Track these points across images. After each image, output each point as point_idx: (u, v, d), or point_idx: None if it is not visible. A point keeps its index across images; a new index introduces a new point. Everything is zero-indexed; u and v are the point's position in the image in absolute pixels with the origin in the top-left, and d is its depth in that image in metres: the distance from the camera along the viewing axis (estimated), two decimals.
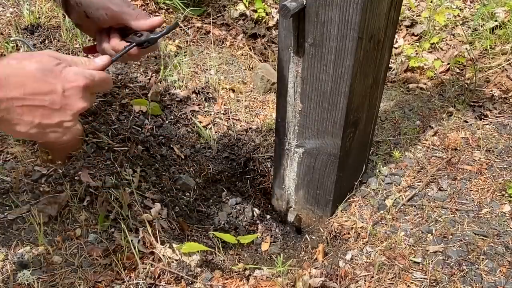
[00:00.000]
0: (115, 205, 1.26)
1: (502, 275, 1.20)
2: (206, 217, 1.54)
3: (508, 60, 2.15)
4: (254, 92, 2.08)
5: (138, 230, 1.24)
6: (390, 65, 2.31)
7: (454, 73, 2.22)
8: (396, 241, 1.30)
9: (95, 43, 0.97)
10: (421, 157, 1.63)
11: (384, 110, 1.94)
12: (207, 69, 2.11)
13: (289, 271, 1.26)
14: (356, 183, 1.49)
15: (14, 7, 1.98)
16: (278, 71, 1.21)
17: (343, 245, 1.33)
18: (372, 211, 1.41)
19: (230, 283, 1.19)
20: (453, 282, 1.18)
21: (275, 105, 1.32)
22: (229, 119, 1.90)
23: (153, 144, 1.62)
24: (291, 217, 1.49)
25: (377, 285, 1.19)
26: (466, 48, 2.30)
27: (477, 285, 1.17)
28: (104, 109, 1.63)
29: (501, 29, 2.33)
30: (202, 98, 1.94)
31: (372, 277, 1.21)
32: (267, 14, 2.55)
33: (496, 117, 1.84)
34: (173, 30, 2.18)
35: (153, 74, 1.94)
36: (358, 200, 1.46)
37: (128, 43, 0.89)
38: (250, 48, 2.36)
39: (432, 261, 1.24)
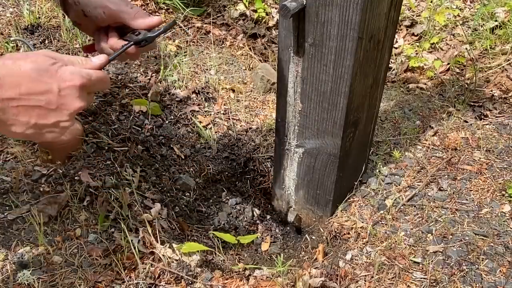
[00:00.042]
0: (115, 205, 1.26)
1: (502, 275, 1.20)
2: (206, 217, 1.54)
3: (508, 60, 2.15)
4: (254, 92, 2.08)
5: (138, 230, 1.24)
6: (390, 65, 2.31)
7: (454, 73, 2.22)
8: (396, 241, 1.30)
9: (95, 42, 0.97)
10: (421, 157, 1.63)
11: (384, 110, 1.94)
12: (207, 69, 2.11)
13: (289, 271, 1.26)
14: (356, 183, 1.49)
15: (14, 7, 1.98)
16: (278, 71, 1.21)
17: (343, 245, 1.33)
18: (372, 211, 1.41)
19: (230, 283, 1.19)
20: (453, 282, 1.18)
21: (275, 105, 1.32)
22: (229, 119, 1.90)
23: (153, 144, 1.62)
24: (291, 217, 1.49)
25: (377, 285, 1.19)
26: (466, 48, 2.30)
27: (477, 285, 1.17)
28: (104, 109, 1.63)
29: (501, 29, 2.33)
30: (202, 98, 1.94)
31: (372, 277, 1.21)
32: (267, 14, 2.55)
33: (496, 117, 1.84)
34: (172, 29, 2.18)
35: (153, 74, 1.94)
36: (358, 200, 1.46)
37: (126, 42, 0.89)
38: (250, 48, 2.36)
39: (432, 261, 1.24)
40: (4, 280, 1.06)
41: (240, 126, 1.88)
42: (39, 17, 1.94)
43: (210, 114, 1.89)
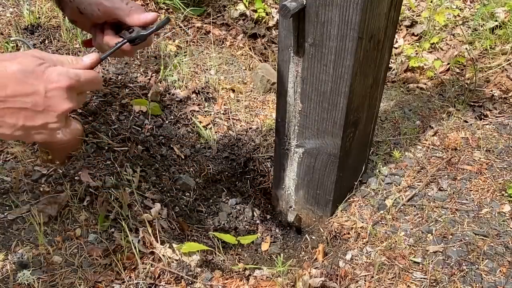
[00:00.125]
0: (115, 205, 1.26)
1: (502, 275, 1.20)
2: (206, 217, 1.54)
3: (508, 60, 2.15)
4: (254, 92, 2.08)
5: (138, 230, 1.24)
6: (390, 65, 2.31)
7: (454, 73, 2.22)
8: (396, 241, 1.30)
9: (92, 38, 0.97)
10: (421, 157, 1.63)
11: (384, 110, 1.94)
12: (207, 69, 2.11)
13: (289, 271, 1.26)
14: (356, 183, 1.49)
15: (14, 7, 1.98)
16: (278, 71, 1.21)
17: (343, 245, 1.33)
18: (372, 211, 1.41)
19: (230, 283, 1.19)
20: (453, 282, 1.18)
21: (275, 105, 1.32)
22: (229, 119, 1.90)
23: (153, 144, 1.62)
24: (291, 217, 1.49)
25: (377, 285, 1.19)
26: (466, 48, 2.30)
27: (477, 285, 1.17)
28: (104, 109, 1.63)
29: (501, 29, 2.33)
30: (202, 98, 1.94)
31: (372, 277, 1.21)
32: (267, 14, 2.55)
33: (496, 117, 1.84)
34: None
35: (153, 74, 1.94)
36: (358, 200, 1.46)
37: (120, 39, 0.88)
38: (250, 48, 2.36)
39: (432, 261, 1.24)
40: (4, 280, 1.06)
41: (240, 126, 1.88)
42: (39, 17, 1.94)
43: (210, 114, 1.89)
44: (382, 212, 1.40)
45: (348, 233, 1.36)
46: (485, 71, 2.15)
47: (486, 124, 1.79)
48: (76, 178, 1.31)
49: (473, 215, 1.39)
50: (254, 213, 1.59)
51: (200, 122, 1.83)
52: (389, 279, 1.20)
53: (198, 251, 1.20)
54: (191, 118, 1.83)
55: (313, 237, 1.43)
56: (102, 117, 1.57)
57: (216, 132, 1.82)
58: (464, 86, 2.08)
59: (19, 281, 1.05)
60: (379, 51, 1.18)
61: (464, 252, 1.26)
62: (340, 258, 1.28)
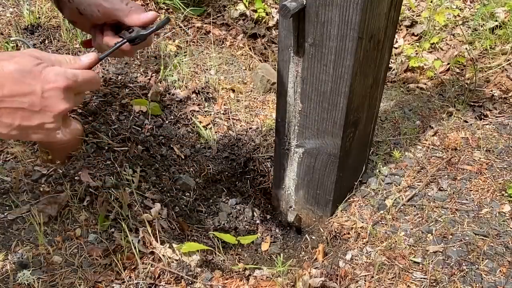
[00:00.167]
0: (115, 205, 1.26)
1: (502, 275, 1.20)
2: (206, 217, 1.54)
3: (508, 60, 2.15)
4: (254, 92, 2.08)
5: (138, 230, 1.24)
6: (390, 65, 2.31)
7: (454, 73, 2.22)
8: (396, 241, 1.30)
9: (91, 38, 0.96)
10: (421, 157, 1.63)
11: (384, 110, 1.94)
12: (207, 69, 2.11)
13: (289, 271, 1.26)
14: (356, 183, 1.49)
15: (14, 7, 1.98)
16: (278, 71, 1.21)
17: (343, 245, 1.33)
18: (372, 211, 1.41)
19: (230, 283, 1.19)
20: (453, 282, 1.18)
21: (275, 105, 1.32)
22: (229, 119, 1.90)
23: (153, 144, 1.62)
24: (291, 217, 1.49)
25: (377, 285, 1.19)
26: (466, 48, 2.30)
27: (477, 285, 1.17)
28: (104, 109, 1.63)
29: (501, 29, 2.33)
30: (202, 98, 1.94)
31: (372, 277, 1.21)
32: (267, 14, 2.55)
33: (496, 117, 1.84)
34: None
35: (153, 74, 1.94)
36: (358, 200, 1.46)
37: (120, 39, 0.88)
38: (250, 48, 2.36)
39: (432, 261, 1.24)
40: (4, 280, 1.06)
41: (240, 126, 1.88)
42: (39, 17, 1.94)
43: (210, 114, 1.89)
44: (382, 212, 1.40)
45: (348, 233, 1.36)
46: (485, 71, 2.15)
47: (486, 124, 1.79)
48: (76, 178, 1.31)
49: (473, 215, 1.39)
50: (254, 213, 1.59)
51: (200, 122, 1.83)
52: (389, 279, 1.20)
53: (198, 251, 1.20)
54: (191, 118, 1.83)
55: (313, 237, 1.43)
56: (102, 117, 1.57)
57: (216, 132, 1.82)
58: (464, 86, 2.08)
59: (19, 281, 1.05)
60: (379, 51, 1.18)
61: (464, 252, 1.26)
62: (340, 258, 1.28)
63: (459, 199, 1.45)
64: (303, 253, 1.40)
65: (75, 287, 1.08)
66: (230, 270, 1.25)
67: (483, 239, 1.30)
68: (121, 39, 0.88)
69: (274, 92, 2.06)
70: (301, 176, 1.39)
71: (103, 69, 1.84)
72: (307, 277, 1.17)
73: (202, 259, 1.23)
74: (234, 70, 2.17)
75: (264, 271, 1.25)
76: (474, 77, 2.07)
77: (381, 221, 1.39)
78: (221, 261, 1.30)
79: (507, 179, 1.50)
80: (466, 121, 1.82)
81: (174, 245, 1.22)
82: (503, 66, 2.13)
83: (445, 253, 1.26)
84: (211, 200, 1.60)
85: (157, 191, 1.43)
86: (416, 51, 2.38)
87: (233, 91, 2.05)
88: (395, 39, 2.21)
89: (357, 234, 1.34)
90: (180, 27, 2.31)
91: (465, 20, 2.53)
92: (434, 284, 1.18)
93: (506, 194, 1.44)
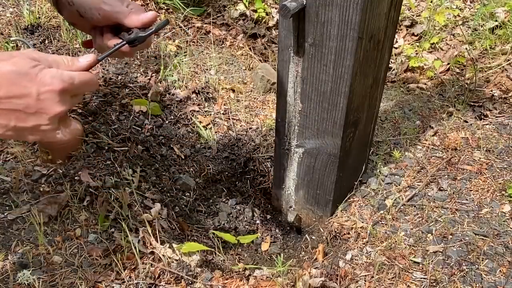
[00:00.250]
0: (115, 205, 1.26)
1: (502, 275, 1.20)
2: (206, 217, 1.54)
3: (508, 60, 2.15)
4: (254, 92, 2.08)
5: (138, 230, 1.24)
6: (390, 65, 2.31)
7: (454, 73, 2.22)
8: (396, 241, 1.30)
9: (92, 39, 0.96)
10: (421, 157, 1.63)
11: (384, 110, 1.94)
12: (207, 69, 2.11)
13: (289, 271, 1.26)
14: (356, 183, 1.49)
15: (14, 7, 1.98)
16: (278, 71, 1.21)
17: (343, 245, 1.33)
18: (372, 211, 1.41)
19: (230, 283, 1.19)
20: (453, 282, 1.18)
21: (275, 105, 1.32)
22: (229, 119, 1.90)
23: (153, 144, 1.62)
24: (291, 217, 1.49)
25: (377, 285, 1.19)
26: (466, 48, 2.30)
27: (477, 285, 1.17)
28: (104, 109, 1.63)
29: (501, 29, 2.33)
30: (202, 98, 1.94)
31: (372, 277, 1.21)
32: (267, 14, 2.55)
33: (496, 117, 1.84)
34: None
35: (153, 74, 1.94)
36: (358, 200, 1.46)
37: (120, 41, 0.88)
38: (250, 48, 2.36)
39: (432, 261, 1.24)
40: (4, 280, 1.06)
41: (240, 126, 1.88)
42: (39, 17, 1.94)
43: (210, 114, 1.89)
44: (382, 212, 1.40)
45: (348, 233, 1.36)
46: (485, 71, 2.15)
47: (486, 124, 1.79)
48: (76, 178, 1.31)
49: (473, 215, 1.39)
50: (254, 213, 1.59)
51: (200, 122, 1.83)
52: (389, 279, 1.20)
53: (198, 251, 1.20)
54: (191, 118, 1.83)
55: (313, 237, 1.43)
56: (102, 117, 1.57)
57: (216, 132, 1.82)
58: (464, 86, 2.08)
59: (19, 281, 1.05)
60: (379, 51, 1.18)
61: (464, 252, 1.26)
62: (340, 258, 1.28)
63: (459, 199, 1.45)
64: (303, 253, 1.40)
65: (75, 287, 1.08)
66: (230, 270, 1.25)
67: (483, 239, 1.30)
68: (121, 40, 0.88)
69: (274, 92, 2.06)
70: (301, 176, 1.39)
71: (103, 69, 1.84)
72: (307, 277, 1.17)
73: (202, 259, 1.23)
74: (234, 70, 2.17)
75: (264, 271, 1.25)
76: (474, 77, 2.07)
77: (381, 221, 1.39)
78: (221, 261, 1.30)
79: (507, 179, 1.50)
80: (466, 121, 1.82)
81: (174, 245, 1.22)
82: (503, 66, 2.13)
83: (445, 253, 1.26)
84: (211, 200, 1.60)
85: (157, 191, 1.43)
86: (416, 51, 2.38)
87: (233, 91, 2.05)
88: (395, 39, 2.21)
89: (357, 234, 1.34)
90: (180, 27, 2.31)
91: (465, 20, 2.53)
92: (434, 284, 1.18)
93: (506, 194, 1.44)
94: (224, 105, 1.96)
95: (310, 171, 1.35)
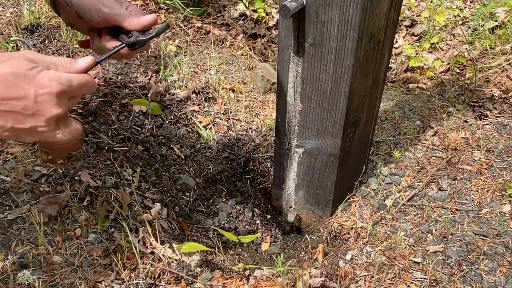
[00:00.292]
0: (115, 205, 1.26)
1: (502, 275, 1.20)
2: (206, 217, 1.54)
3: (508, 60, 2.15)
4: (254, 92, 2.08)
5: (138, 230, 1.24)
6: (390, 65, 2.31)
7: (454, 73, 2.22)
8: (396, 241, 1.30)
9: (90, 40, 0.96)
10: (421, 157, 1.63)
11: (384, 110, 1.94)
12: (207, 69, 2.11)
13: (289, 271, 1.26)
14: (356, 183, 1.49)
15: (14, 7, 1.98)
16: (278, 71, 1.21)
17: (343, 245, 1.33)
18: (372, 211, 1.41)
19: (230, 283, 1.19)
20: (453, 282, 1.18)
21: (275, 105, 1.32)
22: (229, 119, 1.90)
23: (153, 144, 1.62)
24: (291, 217, 1.49)
25: (377, 285, 1.19)
26: (466, 48, 2.30)
27: (477, 285, 1.17)
28: (104, 109, 1.63)
29: (501, 29, 2.33)
30: (202, 98, 1.94)
31: (372, 277, 1.21)
32: (267, 14, 2.55)
33: (496, 117, 1.84)
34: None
35: (153, 74, 1.94)
36: (358, 200, 1.46)
37: (119, 43, 0.87)
38: (250, 48, 2.36)
39: (432, 261, 1.24)
40: (4, 280, 1.06)
41: (240, 126, 1.88)
42: (39, 17, 1.94)
43: (210, 114, 1.89)
44: (382, 212, 1.40)
45: (348, 233, 1.36)
46: (485, 71, 2.15)
47: (486, 124, 1.79)
48: (76, 178, 1.31)
49: (473, 215, 1.39)
50: (254, 213, 1.59)
51: (200, 122, 1.83)
52: (389, 279, 1.20)
53: (198, 251, 1.20)
54: (191, 118, 1.83)
55: (313, 237, 1.43)
56: (102, 117, 1.57)
57: (216, 132, 1.82)
58: (464, 86, 2.08)
59: (19, 281, 1.05)
60: (379, 51, 1.18)
61: (464, 252, 1.26)
62: (340, 258, 1.28)
63: (459, 199, 1.45)
64: (303, 253, 1.40)
65: (75, 287, 1.08)
66: (230, 270, 1.25)
67: (483, 239, 1.30)
68: (120, 42, 0.87)
69: (274, 92, 2.06)
70: (301, 176, 1.39)
71: (103, 69, 1.84)
72: (307, 277, 1.17)
73: (202, 259, 1.23)
74: (234, 70, 2.17)
75: (264, 271, 1.25)
76: (474, 77, 2.07)
77: (381, 221, 1.39)
78: (221, 261, 1.30)
79: (507, 179, 1.50)
80: (466, 121, 1.82)
81: (174, 245, 1.22)
82: (503, 66, 2.13)
83: (445, 253, 1.26)
84: (211, 200, 1.60)
85: (157, 191, 1.43)
86: (416, 51, 2.38)
87: (233, 91, 2.05)
88: (395, 39, 2.21)
89: (357, 234, 1.34)
90: (180, 27, 2.31)
91: (465, 20, 2.53)
92: (434, 284, 1.18)
93: (506, 194, 1.44)
94: (224, 105, 1.96)
95: (310, 171, 1.35)
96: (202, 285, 1.16)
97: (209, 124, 1.84)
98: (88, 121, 1.53)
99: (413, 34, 2.55)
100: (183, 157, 1.67)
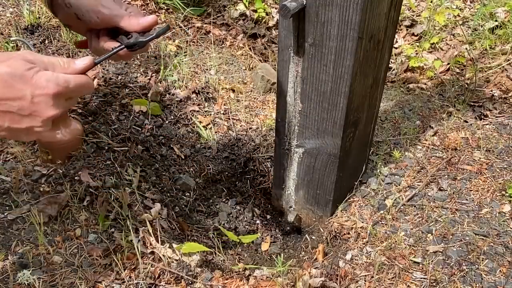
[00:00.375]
0: (115, 205, 1.26)
1: (502, 275, 1.20)
2: (206, 217, 1.54)
3: (508, 60, 2.15)
4: (254, 92, 2.08)
5: (138, 230, 1.24)
6: (390, 65, 2.31)
7: (454, 73, 2.22)
8: (396, 241, 1.30)
9: (88, 41, 0.95)
10: (421, 157, 1.63)
11: (384, 110, 1.94)
12: (207, 69, 2.11)
13: (289, 271, 1.26)
14: (356, 183, 1.49)
15: (14, 7, 1.98)
16: (278, 71, 1.21)
17: (343, 245, 1.33)
18: (372, 211, 1.41)
19: (230, 283, 1.19)
20: (453, 282, 1.18)
21: (275, 105, 1.32)
22: (229, 119, 1.90)
23: (153, 144, 1.62)
24: (291, 217, 1.49)
25: (377, 285, 1.19)
26: (466, 48, 2.30)
27: (477, 285, 1.17)
28: (104, 109, 1.63)
29: (501, 29, 2.33)
30: (202, 98, 1.94)
31: (372, 277, 1.21)
32: (267, 14, 2.55)
33: (496, 117, 1.84)
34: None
35: (153, 74, 1.94)
36: (358, 200, 1.46)
37: (118, 44, 0.86)
38: (250, 48, 2.36)
39: (432, 261, 1.24)
40: (4, 280, 1.06)
41: (240, 126, 1.88)
42: (39, 17, 1.94)
43: (210, 114, 1.89)
44: (382, 212, 1.40)
45: (348, 233, 1.36)
46: (485, 71, 2.15)
47: (486, 124, 1.79)
48: (76, 178, 1.31)
49: (473, 215, 1.39)
50: (254, 213, 1.59)
51: (200, 122, 1.83)
52: (389, 279, 1.20)
53: (198, 251, 1.20)
54: (191, 118, 1.83)
55: (313, 237, 1.43)
56: (102, 117, 1.57)
57: (216, 132, 1.82)
58: (464, 86, 2.08)
59: (19, 281, 1.05)
60: (379, 51, 1.18)
61: (464, 252, 1.26)
62: (340, 258, 1.28)
63: (459, 199, 1.45)
64: (303, 253, 1.40)
65: (75, 287, 1.08)
66: (230, 270, 1.25)
67: (483, 239, 1.30)
68: (119, 44, 0.87)
69: (274, 92, 2.06)
70: (301, 176, 1.39)
71: (103, 69, 1.84)
72: (307, 277, 1.17)
73: (202, 259, 1.23)
74: (234, 70, 2.17)
75: (264, 271, 1.25)
76: (474, 77, 2.07)
77: (381, 221, 1.39)
78: (221, 261, 1.30)
79: (507, 179, 1.50)
80: (466, 121, 1.82)
81: (174, 245, 1.22)
82: (503, 66, 2.13)
83: (445, 253, 1.26)
84: (211, 200, 1.60)
85: (157, 191, 1.43)
86: (416, 51, 2.38)
87: (233, 91, 2.05)
88: (395, 39, 2.21)
89: (357, 234, 1.34)
90: (180, 27, 2.31)
91: (465, 20, 2.53)
92: (434, 284, 1.18)
93: (506, 194, 1.44)
94: (224, 105, 1.96)
95: (310, 171, 1.35)
96: (202, 285, 1.16)
97: (209, 124, 1.84)
98: (88, 121, 1.53)
99: (413, 34, 2.55)
100: (183, 157, 1.67)
